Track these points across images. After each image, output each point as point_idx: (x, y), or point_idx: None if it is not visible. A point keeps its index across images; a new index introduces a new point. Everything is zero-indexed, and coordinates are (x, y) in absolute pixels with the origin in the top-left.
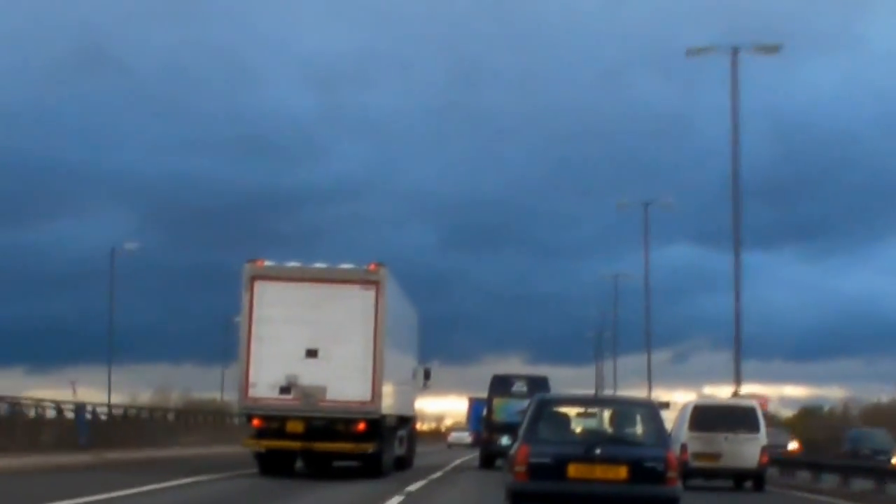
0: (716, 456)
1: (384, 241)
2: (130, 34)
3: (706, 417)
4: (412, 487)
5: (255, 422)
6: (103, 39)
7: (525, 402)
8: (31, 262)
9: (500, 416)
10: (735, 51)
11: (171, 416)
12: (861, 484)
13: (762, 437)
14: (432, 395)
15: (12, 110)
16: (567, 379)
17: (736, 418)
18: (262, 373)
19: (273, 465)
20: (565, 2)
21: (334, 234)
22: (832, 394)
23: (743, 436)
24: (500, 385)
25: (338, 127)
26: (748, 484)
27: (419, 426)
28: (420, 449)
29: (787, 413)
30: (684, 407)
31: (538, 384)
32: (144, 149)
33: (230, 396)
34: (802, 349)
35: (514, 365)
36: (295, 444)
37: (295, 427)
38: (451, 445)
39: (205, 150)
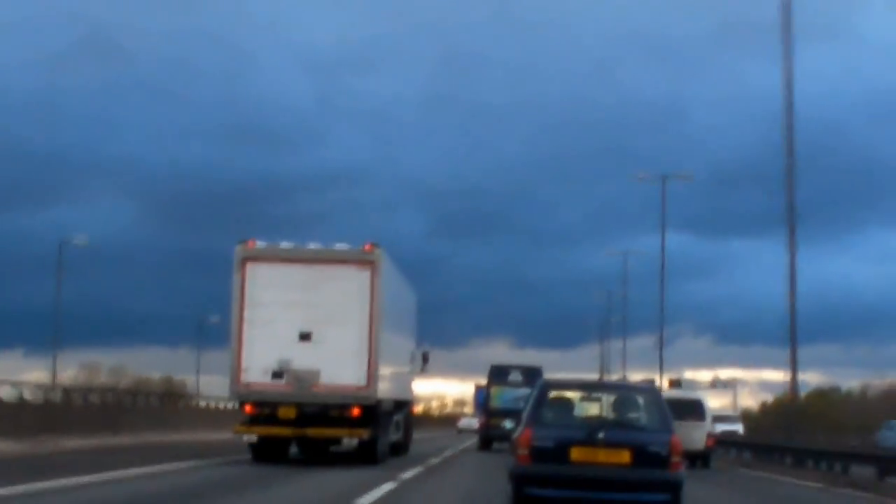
0: None
1: (377, 228)
2: (130, 22)
3: None
4: (407, 474)
5: (247, 408)
6: (103, 28)
7: (520, 390)
8: (26, 248)
9: (497, 403)
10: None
11: (124, 398)
12: None
13: (707, 425)
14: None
15: (12, 98)
16: (555, 362)
17: (686, 408)
18: (254, 357)
19: (266, 451)
20: None
21: (328, 220)
22: (809, 378)
23: (692, 423)
24: (498, 374)
25: (333, 114)
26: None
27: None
28: (428, 434)
29: (765, 397)
30: None
31: (533, 374)
32: (142, 136)
33: (184, 376)
34: (782, 334)
35: (501, 349)
36: (287, 431)
37: (287, 413)
38: (461, 431)
39: (202, 136)
